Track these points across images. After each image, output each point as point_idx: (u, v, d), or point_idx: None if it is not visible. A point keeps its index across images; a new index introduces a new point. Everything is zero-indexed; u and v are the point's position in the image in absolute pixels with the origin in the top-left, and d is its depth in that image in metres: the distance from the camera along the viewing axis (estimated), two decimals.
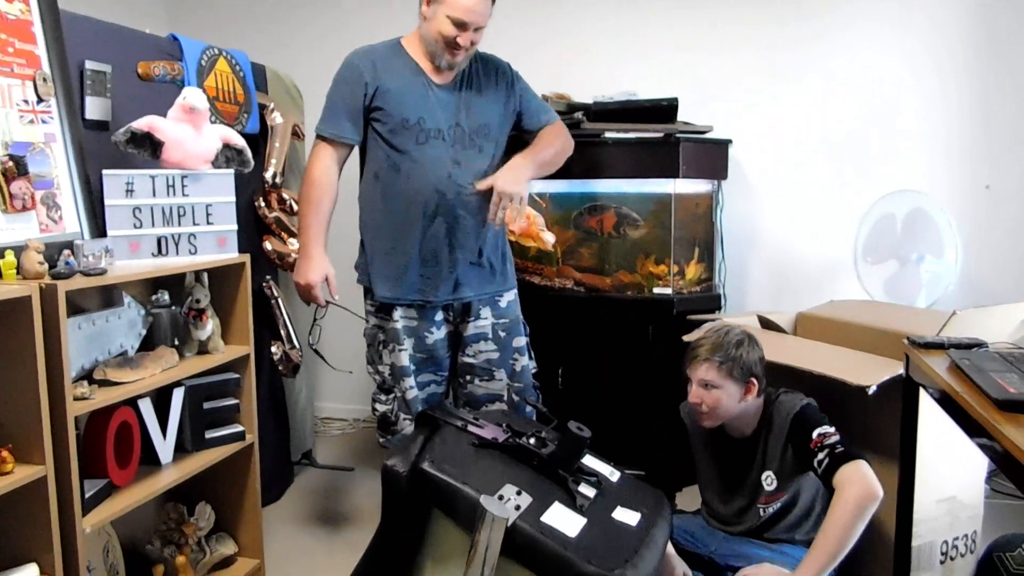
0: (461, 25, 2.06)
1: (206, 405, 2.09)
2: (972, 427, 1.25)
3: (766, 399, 1.93)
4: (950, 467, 2.03)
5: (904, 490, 1.79)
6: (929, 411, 1.66)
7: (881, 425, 1.94)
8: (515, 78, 2.30)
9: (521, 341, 2.31)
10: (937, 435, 1.83)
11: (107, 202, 1.90)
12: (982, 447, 1.21)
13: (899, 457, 1.79)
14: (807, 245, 3.12)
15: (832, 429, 1.80)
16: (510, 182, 2.10)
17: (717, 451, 2.01)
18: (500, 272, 2.28)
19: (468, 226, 2.16)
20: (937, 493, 2.05)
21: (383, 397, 2.25)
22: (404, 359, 2.19)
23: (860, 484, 1.68)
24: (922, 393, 1.66)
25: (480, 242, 2.20)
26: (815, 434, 1.79)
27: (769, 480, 1.89)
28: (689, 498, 2.25)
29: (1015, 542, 2.04)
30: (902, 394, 1.73)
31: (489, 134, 2.20)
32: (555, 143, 2.29)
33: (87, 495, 1.69)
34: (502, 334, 2.27)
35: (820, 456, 1.76)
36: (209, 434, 2.10)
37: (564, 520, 1.49)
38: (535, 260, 2.91)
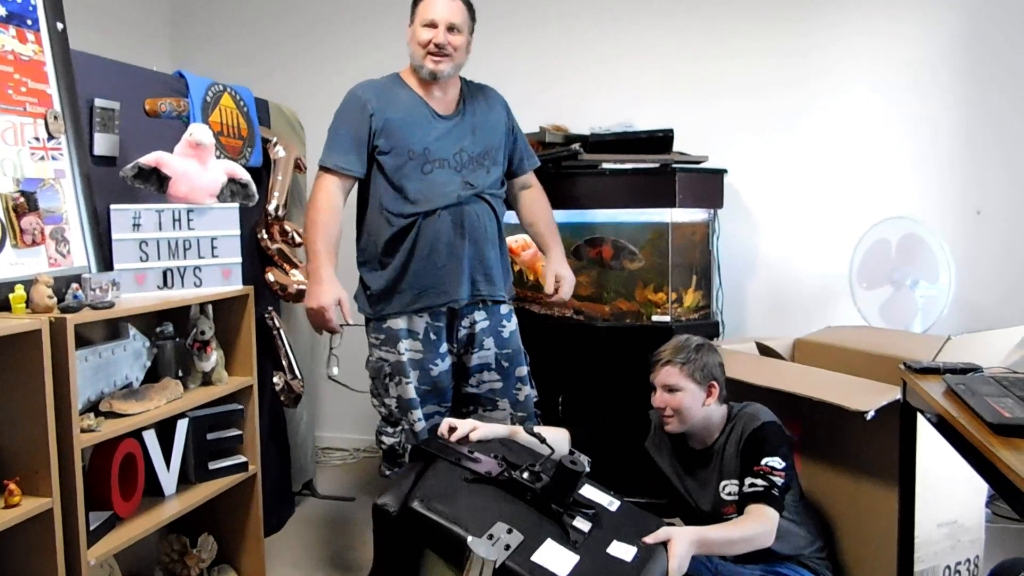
0: (432, 25, 2.14)
1: (209, 436, 2.11)
2: (968, 451, 1.27)
3: (729, 410, 1.98)
4: (950, 491, 2.04)
5: (904, 514, 1.80)
6: (928, 435, 1.67)
7: (880, 450, 1.96)
8: (510, 111, 2.37)
9: (523, 370, 2.33)
10: (936, 459, 1.84)
11: (114, 236, 1.93)
12: (979, 471, 1.23)
13: (898, 481, 1.80)
14: (803, 271, 3.15)
15: (781, 465, 1.81)
16: (570, 281, 2.38)
17: (679, 462, 2.04)
18: (503, 283, 2.31)
19: (476, 223, 2.19)
20: (938, 517, 2.06)
21: (389, 430, 2.24)
22: (411, 391, 2.19)
23: (765, 527, 1.74)
24: (920, 417, 1.68)
25: (488, 239, 2.23)
26: (764, 461, 1.82)
27: (728, 490, 1.92)
28: None
29: (1018, 566, 2.04)
30: (900, 419, 1.75)
31: (496, 157, 2.27)
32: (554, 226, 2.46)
33: (92, 527, 1.69)
34: (505, 364, 2.29)
35: (756, 480, 1.79)
36: (212, 465, 2.11)
37: (556, 558, 1.47)
38: (535, 288, 2.93)
